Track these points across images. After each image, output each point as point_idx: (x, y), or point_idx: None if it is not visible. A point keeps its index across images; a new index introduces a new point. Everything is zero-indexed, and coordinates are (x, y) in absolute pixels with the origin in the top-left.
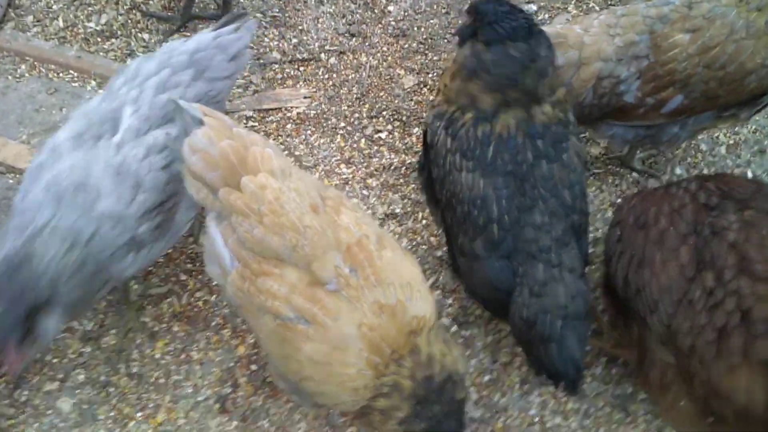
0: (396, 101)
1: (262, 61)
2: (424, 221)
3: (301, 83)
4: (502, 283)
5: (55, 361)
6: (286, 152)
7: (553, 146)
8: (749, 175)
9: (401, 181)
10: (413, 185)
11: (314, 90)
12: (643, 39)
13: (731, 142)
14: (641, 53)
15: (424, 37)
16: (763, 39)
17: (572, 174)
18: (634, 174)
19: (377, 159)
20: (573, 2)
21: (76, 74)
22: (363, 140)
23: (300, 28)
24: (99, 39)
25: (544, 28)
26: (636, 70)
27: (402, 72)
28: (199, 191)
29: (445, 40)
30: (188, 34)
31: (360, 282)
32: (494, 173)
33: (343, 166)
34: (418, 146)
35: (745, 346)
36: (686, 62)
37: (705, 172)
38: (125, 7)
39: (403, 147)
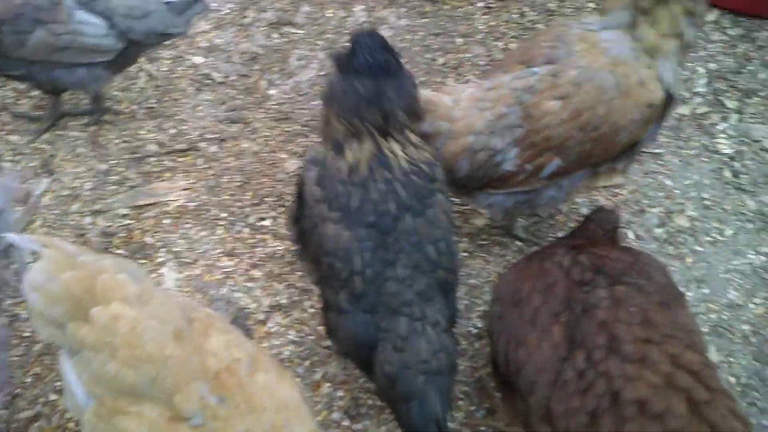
0: (279, 186)
1: (137, 155)
2: (311, 309)
3: (179, 175)
4: (364, 337)
5: None
6: (165, 249)
7: (418, 200)
8: (630, 235)
9: (287, 269)
10: (299, 272)
11: (194, 181)
12: (512, 110)
13: (611, 203)
14: (514, 123)
15: (307, 119)
16: (634, 94)
17: (438, 230)
18: (519, 243)
19: (261, 248)
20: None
21: None
22: (246, 230)
23: (178, 117)
24: None
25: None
26: (511, 140)
27: (285, 156)
28: (45, 328)
29: None
30: (61, 132)
31: (230, 411)
32: (358, 224)
33: (225, 258)
34: None
35: (616, 430)
36: (560, 128)
37: None
38: None
39: (288, 233)
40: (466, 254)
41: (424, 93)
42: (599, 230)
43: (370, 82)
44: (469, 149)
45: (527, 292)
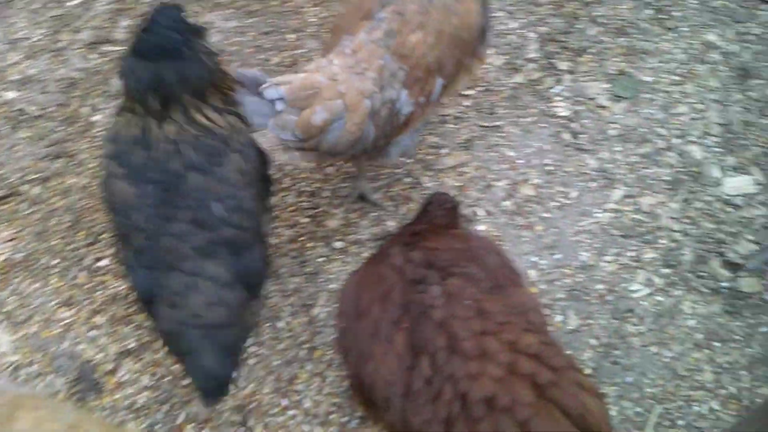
0: None
1: None
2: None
3: (1, 225)
4: (146, 294)
5: None
6: None
7: (207, 159)
8: (481, 212)
9: (132, 309)
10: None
11: (18, 230)
12: (386, 59)
13: (459, 184)
14: (394, 69)
15: None
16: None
17: (228, 188)
18: (376, 241)
19: (101, 292)
20: None
21: None
22: (82, 274)
23: None
24: None
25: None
26: (399, 84)
27: None
28: None
29: None
30: None
31: None
32: (141, 181)
33: (63, 309)
34: None
35: None
36: (433, 51)
37: None
38: None
39: None
40: (322, 259)
41: (298, 78)
42: (438, 213)
43: (150, 66)
44: (370, 113)
45: (366, 303)
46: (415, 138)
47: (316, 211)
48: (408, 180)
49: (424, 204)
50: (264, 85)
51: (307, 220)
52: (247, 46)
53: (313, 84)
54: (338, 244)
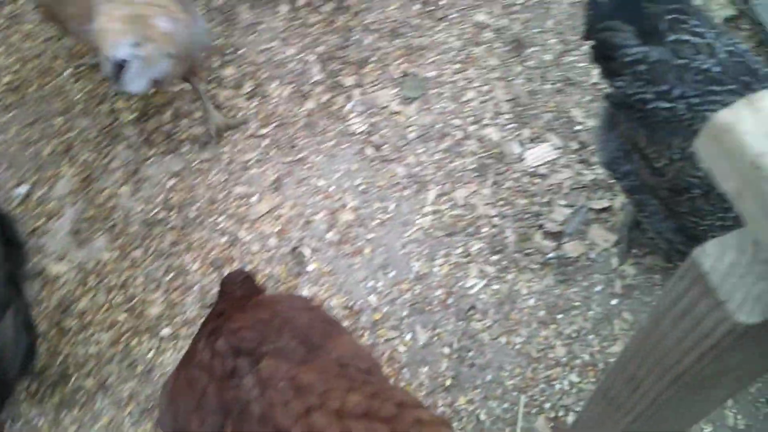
0: None
1: None
2: None
3: None
4: None
5: None
6: None
7: None
8: (307, 252)
9: None
10: None
11: None
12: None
13: (278, 228)
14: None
15: None
16: None
17: None
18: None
19: None
20: None
21: None
22: None
23: None
24: None
25: None
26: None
27: None
28: None
29: None
30: None
31: None
32: None
33: None
34: None
35: None
36: None
37: None
38: None
39: None
40: (152, 352)
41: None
42: (235, 289)
43: None
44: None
45: (184, 417)
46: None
47: (133, 302)
48: (224, 240)
49: (220, 287)
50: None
51: (124, 315)
52: (12, 144)
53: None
54: (166, 331)
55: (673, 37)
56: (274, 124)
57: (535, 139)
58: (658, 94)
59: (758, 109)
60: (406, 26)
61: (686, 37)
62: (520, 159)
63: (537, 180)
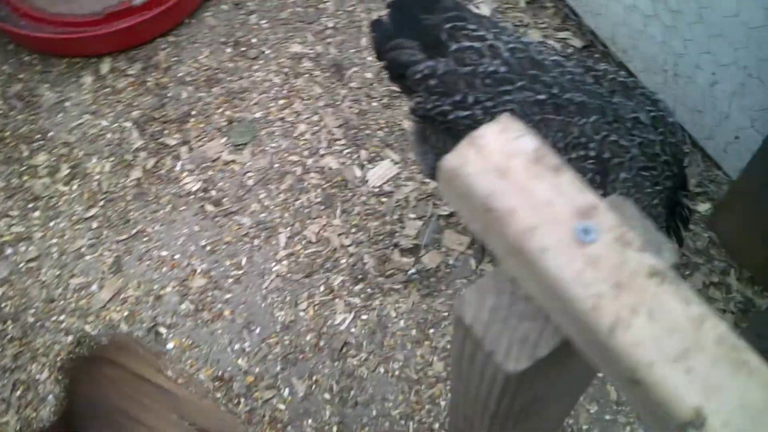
0: None
1: None
2: None
3: None
4: None
5: None
6: None
7: None
8: (163, 330)
9: None
10: None
11: None
12: None
13: (126, 313)
14: None
15: None
16: None
17: None
18: None
19: None
20: None
21: None
22: None
23: None
24: None
25: None
26: None
27: None
28: None
29: None
30: None
31: None
32: None
33: None
34: None
35: None
36: None
37: None
38: None
39: None
40: None
41: None
42: None
43: None
44: None
45: None
46: None
47: None
48: (71, 339)
49: None
50: None
51: None
52: None
53: None
54: None
55: (455, 46)
56: (101, 203)
57: (373, 159)
58: (455, 105)
59: (480, 147)
60: (222, 72)
61: (467, 43)
62: (364, 182)
63: (384, 199)
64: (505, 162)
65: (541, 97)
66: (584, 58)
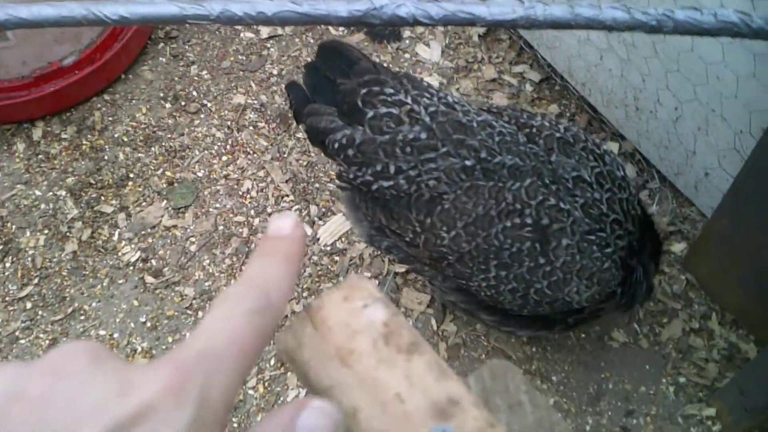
0: None
1: None
2: None
3: None
4: None
5: None
6: None
7: None
8: None
9: None
10: None
11: None
12: None
13: None
14: None
15: None
16: None
17: None
18: None
19: None
20: None
21: None
22: None
23: None
24: None
25: None
26: None
27: None
28: None
29: None
30: None
31: None
32: None
33: None
34: None
35: None
36: None
37: None
38: None
39: None
40: None
41: None
42: None
43: None
44: None
45: None
46: None
47: None
48: None
49: None
50: None
51: None
52: None
53: None
54: None
55: (371, 113)
56: (35, 281)
57: (324, 215)
58: (376, 175)
59: (319, 323)
60: (161, 129)
61: (384, 109)
62: (315, 240)
63: (336, 258)
64: (349, 343)
65: (469, 162)
66: (517, 114)
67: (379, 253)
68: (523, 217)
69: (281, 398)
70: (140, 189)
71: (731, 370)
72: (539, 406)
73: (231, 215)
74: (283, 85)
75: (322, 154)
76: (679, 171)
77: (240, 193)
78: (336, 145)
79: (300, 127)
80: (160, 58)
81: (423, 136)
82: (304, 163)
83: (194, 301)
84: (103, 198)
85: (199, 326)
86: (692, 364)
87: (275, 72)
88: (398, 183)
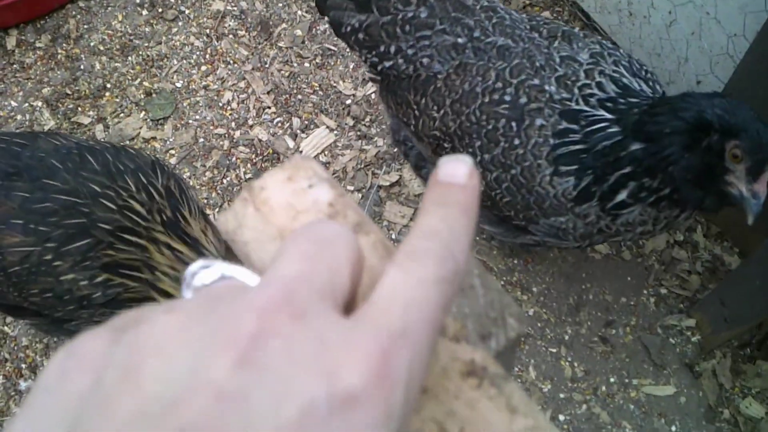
0: None
1: None
2: None
3: None
4: None
5: None
6: None
7: None
8: None
9: None
10: None
11: None
12: None
13: None
14: None
15: None
16: None
17: None
18: None
19: None
20: None
21: None
22: None
23: None
24: None
25: None
26: None
27: None
28: None
29: None
30: None
31: None
32: None
33: None
34: None
35: None
36: None
37: None
38: None
39: None
40: None
41: None
42: None
43: None
44: None
45: None
46: None
47: None
48: None
49: None
50: None
51: None
52: None
53: None
54: None
55: None
56: None
57: (307, 127)
58: (380, 56)
59: (260, 203)
60: (138, 37)
61: None
62: (297, 153)
63: None
64: (292, 223)
65: (461, 40)
66: (533, 15)
67: (362, 166)
68: (502, 94)
69: None
70: (117, 100)
71: (714, 282)
72: (491, 289)
73: (211, 127)
74: None
75: (306, 65)
76: (671, 80)
77: (220, 104)
78: (348, 29)
79: (324, 18)
80: None
81: (423, 14)
82: (287, 74)
83: None
84: (80, 109)
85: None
86: (675, 276)
87: None
88: (397, 63)
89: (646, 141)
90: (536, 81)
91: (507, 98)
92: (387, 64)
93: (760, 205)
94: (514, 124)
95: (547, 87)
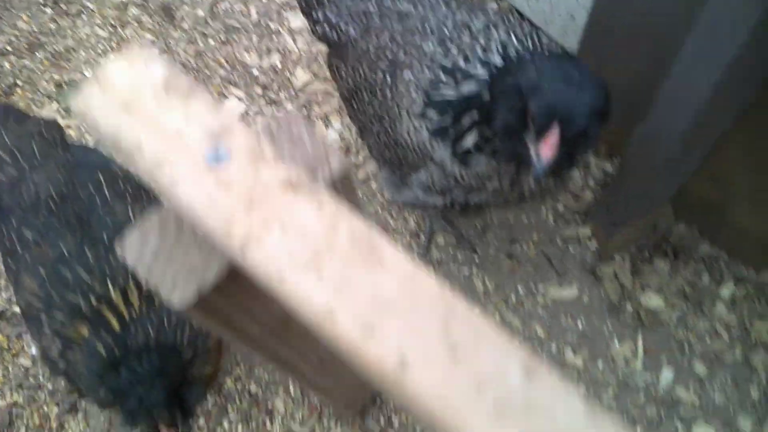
0: None
1: None
2: None
3: None
4: None
5: None
6: None
7: None
8: None
9: None
10: None
11: None
12: None
13: None
14: None
15: None
16: None
17: None
18: None
19: None
20: None
21: None
22: None
23: None
24: None
25: None
26: None
27: None
28: None
29: None
30: None
31: None
32: None
33: None
34: None
35: None
36: None
37: None
38: None
39: None
40: None
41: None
42: None
43: None
44: None
45: None
46: None
47: None
48: None
49: None
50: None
51: None
52: None
53: None
54: None
55: None
56: None
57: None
58: (313, 22)
59: (105, 82)
60: (44, 35)
61: None
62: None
63: None
64: (133, 95)
65: (372, 8)
66: None
67: None
68: (388, 51)
69: None
70: (29, 95)
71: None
72: (316, 141)
73: None
74: None
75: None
76: (548, 20)
77: None
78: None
79: None
80: None
81: None
82: (192, 53)
83: None
84: None
85: None
86: (570, 194)
87: None
88: (325, 31)
89: (491, 96)
90: (418, 41)
91: (389, 55)
92: (318, 29)
93: (543, 167)
94: (388, 77)
95: (427, 47)
